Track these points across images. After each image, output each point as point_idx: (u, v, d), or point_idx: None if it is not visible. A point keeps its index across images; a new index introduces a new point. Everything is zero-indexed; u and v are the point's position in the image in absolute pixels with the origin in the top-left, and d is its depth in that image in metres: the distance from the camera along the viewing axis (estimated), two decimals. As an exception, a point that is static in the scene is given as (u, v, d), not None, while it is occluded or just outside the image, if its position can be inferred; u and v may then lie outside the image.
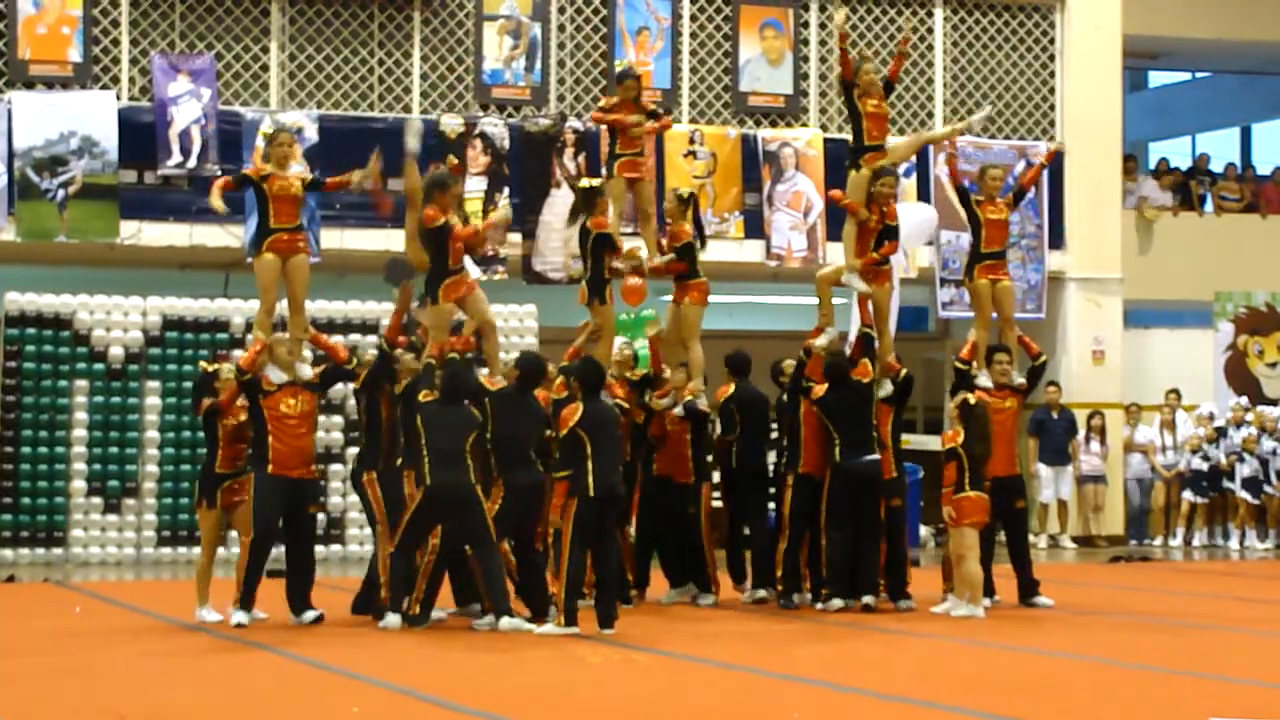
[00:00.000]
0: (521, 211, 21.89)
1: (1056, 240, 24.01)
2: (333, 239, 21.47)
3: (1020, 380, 15.85)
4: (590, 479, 13.41)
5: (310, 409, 14.15)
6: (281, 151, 14.58)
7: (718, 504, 16.69)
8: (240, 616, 13.76)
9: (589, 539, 13.46)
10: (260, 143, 21.07)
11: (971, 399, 15.06)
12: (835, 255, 22.61)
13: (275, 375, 14.07)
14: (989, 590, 15.17)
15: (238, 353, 15.56)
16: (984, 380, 15.59)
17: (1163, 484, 24.14)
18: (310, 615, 14.03)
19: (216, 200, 14.49)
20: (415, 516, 13.74)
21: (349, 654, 12.37)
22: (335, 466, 20.61)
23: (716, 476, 16.57)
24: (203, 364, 15.40)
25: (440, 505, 13.62)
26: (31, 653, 12.69)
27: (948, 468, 14.82)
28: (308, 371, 14.27)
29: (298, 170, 14.85)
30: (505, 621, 13.51)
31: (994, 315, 16.26)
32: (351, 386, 15.09)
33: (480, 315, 14.68)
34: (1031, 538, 20.37)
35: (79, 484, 20.14)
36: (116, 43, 21.32)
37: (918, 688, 10.81)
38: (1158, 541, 24.00)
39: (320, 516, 19.65)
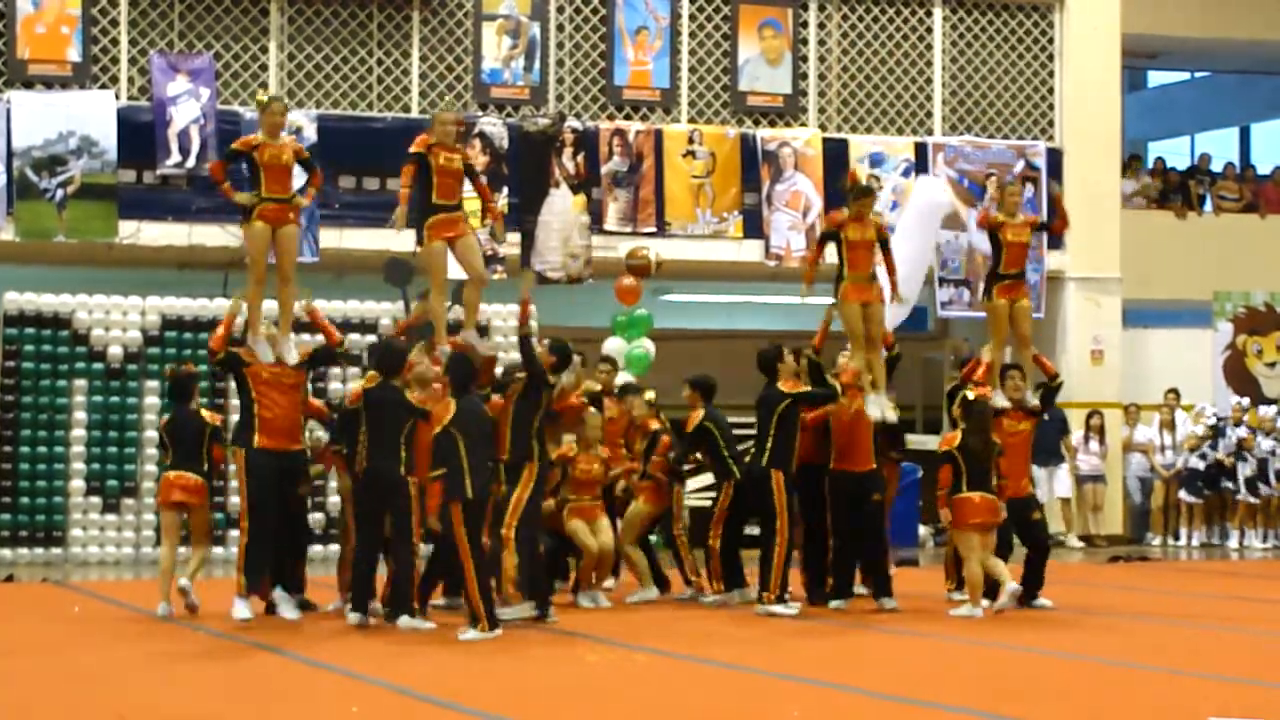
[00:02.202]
0: (520, 211, 21.91)
1: (1055, 240, 24.00)
2: (331, 238, 21.47)
3: (1034, 402, 15.80)
4: (468, 480, 13.22)
5: (297, 381, 14.09)
6: (273, 120, 14.37)
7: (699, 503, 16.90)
8: (242, 610, 13.72)
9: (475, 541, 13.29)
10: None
11: (971, 394, 15.11)
12: (833, 255, 22.65)
13: (263, 354, 13.99)
14: (990, 591, 15.15)
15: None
16: (1000, 400, 15.55)
17: (1162, 484, 24.15)
18: (290, 610, 14.05)
19: (234, 196, 14.41)
20: (359, 511, 13.79)
21: (348, 654, 12.36)
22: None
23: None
24: (169, 368, 15.29)
25: (373, 491, 13.67)
26: (31, 653, 12.69)
27: (942, 470, 14.80)
28: (293, 356, 14.16)
29: (288, 139, 14.66)
30: (403, 621, 13.55)
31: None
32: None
33: (470, 266, 14.65)
34: None
35: (78, 483, 20.13)
36: (115, 42, 21.32)
37: (918, 688, 10.81)
38: (1156, 541, 24.01)
39: (318, 516, 19.67)
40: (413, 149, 14.63)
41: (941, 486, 14.80)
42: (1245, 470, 23.64)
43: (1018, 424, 15.53)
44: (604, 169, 22.29)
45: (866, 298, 15.49)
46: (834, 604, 15.30)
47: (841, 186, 16.15)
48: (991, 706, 10.14)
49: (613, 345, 20.09)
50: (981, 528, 14.66)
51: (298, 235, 14.61)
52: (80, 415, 20.23)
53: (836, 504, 15.25)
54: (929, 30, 23.85)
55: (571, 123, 22.23)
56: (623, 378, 18.74)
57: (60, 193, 20.65)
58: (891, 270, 15.71)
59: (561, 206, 21.97)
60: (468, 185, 15.15)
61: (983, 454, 14.74)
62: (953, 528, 14.83)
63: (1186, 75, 36.55)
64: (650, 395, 16.66)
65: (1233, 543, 23.70)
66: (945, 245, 23.37)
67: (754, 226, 22.86)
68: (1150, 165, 28.58)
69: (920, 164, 23.33)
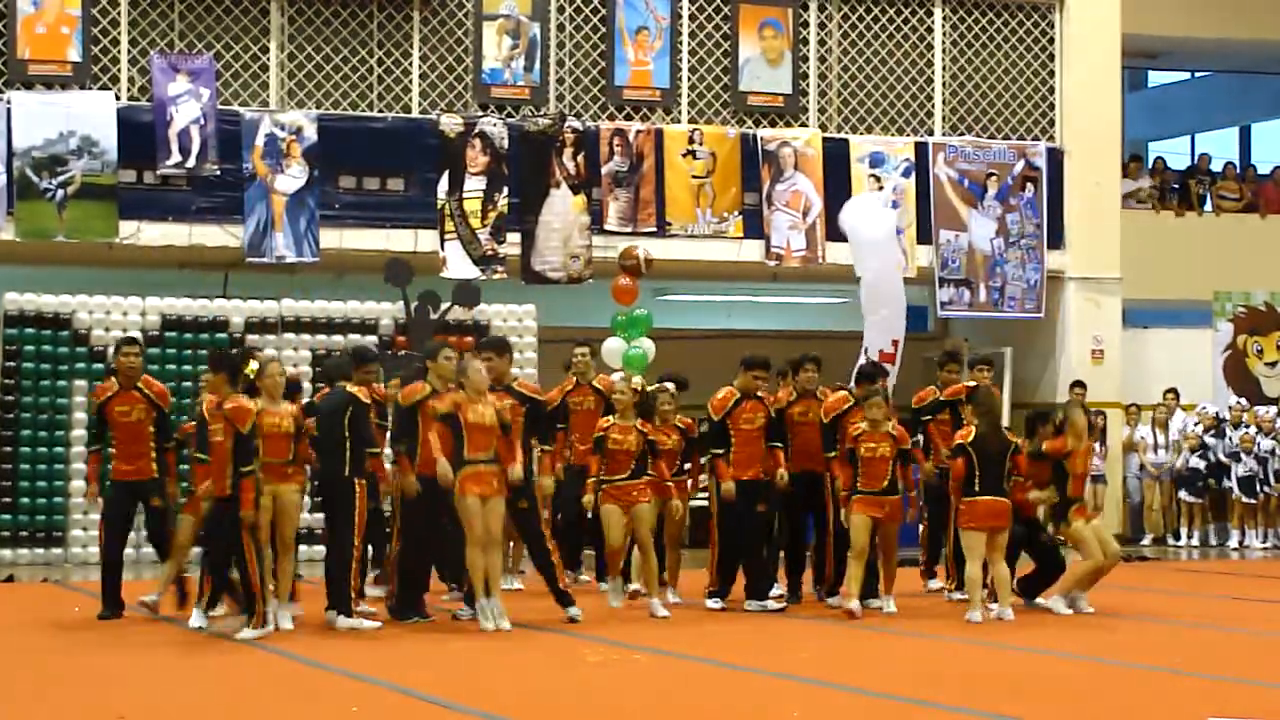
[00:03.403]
0: (520, 211, 21.91)
1: (1055, 240, 24.00)
2: (332, 239, 21.46)
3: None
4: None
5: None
6: (272, 382, 13.69)
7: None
8: (198, 619, 13.94)
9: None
10: (263, 144, 21.14)
11: (970, 382, 15.26)
12: (834, 254, 22.70)
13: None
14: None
15: None
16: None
17: (1153, 482, 24.13)
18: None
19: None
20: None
21: (348, 654, 12.37)
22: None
23: None
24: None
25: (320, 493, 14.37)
26: (31, 653, 12.70)
27: (955, 464, 14.74)
28: (288, 622, 13.72)
29: (289, 406, 13.90)
30: (341, 621, 13.78)
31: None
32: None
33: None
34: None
35: (78, 483, 20.09)
36: (116, 42, 21.32)
37: (917, 688, 10.82)
38: (1148, 540, 23.98)
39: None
40: (443, 409, 13.91)
41: (955, 478, 14.74)
42: (1244, 470, 23.62)
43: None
44: (604, 169, 22.29)
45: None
46: (831, 601, 15.37)
47: None
48: (991, 706, 10.14)
49: (613, 345, 20.11)
50: (988, 530, 14.57)
51: (298, 500, 13.90)
52: (80, 415, 20.20)
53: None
54: (929, 30, 23.84)
55: (572, 123, 22.23)
56: (618, 377, 18.77)
57: (60, 193, 20.64)
58: None
59: (562, 207, 21.98)
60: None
61: (993, 446, 14.62)
62: (959, 527, 14.81)
63: (1186, 75, 36.56)
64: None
65: (1232, 542, 23.70)
66: (945, 245, 23.38)
67: (754, 226, 22.85)
68: (1150, 165, 28.59)
69: (920, 164, 23.34)
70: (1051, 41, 24.27)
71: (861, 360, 18.67)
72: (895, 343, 19.62)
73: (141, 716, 10.04)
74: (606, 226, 22.22)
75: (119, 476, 14.72)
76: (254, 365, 13.72)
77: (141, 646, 13.10)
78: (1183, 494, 23.95)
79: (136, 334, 19.32)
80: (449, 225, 21.68)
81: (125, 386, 14.66)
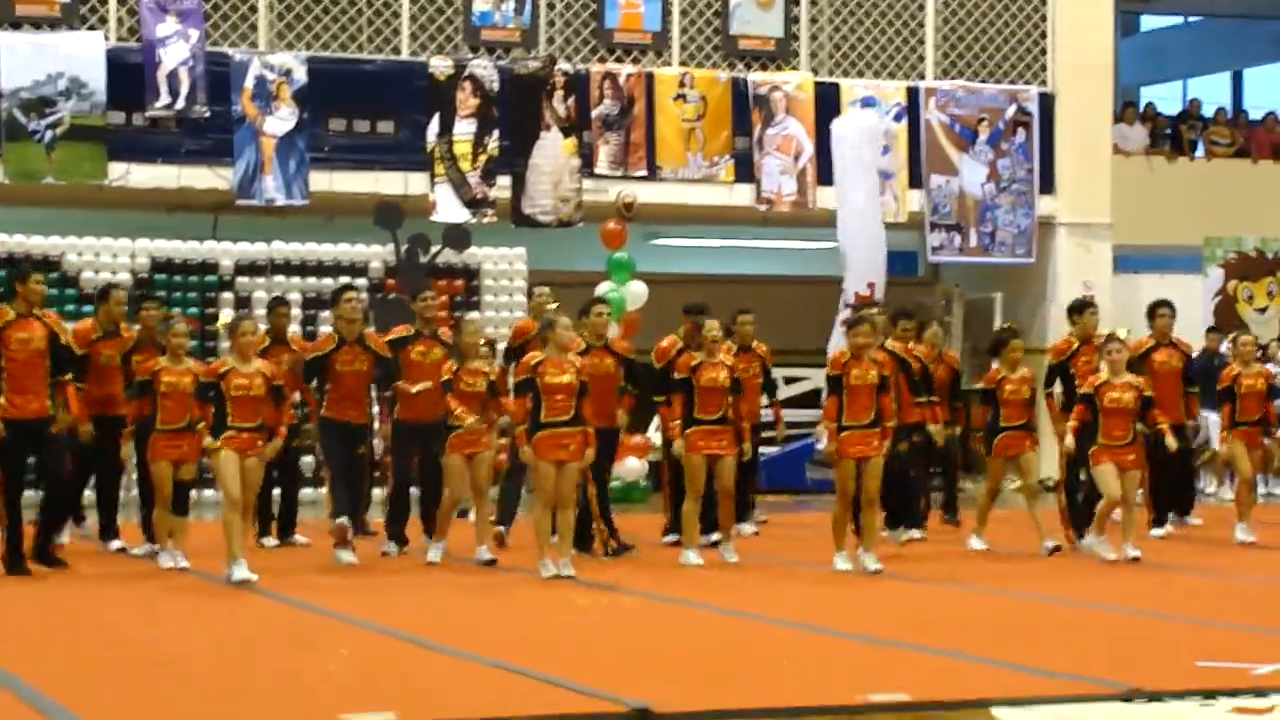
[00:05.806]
0: (511, 154, 21.83)
1: (1047, 185, 23.96)
2: (321, 181, 21.39)
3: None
4: None
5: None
6: (245, 341, 13.47)
7: None
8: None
9: None
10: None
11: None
12: (824, 199, 22.68)
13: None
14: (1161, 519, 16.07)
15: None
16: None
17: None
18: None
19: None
20: None
21: (337, 597, 12.39)
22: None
23: None
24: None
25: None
26: (19, 590, 12.71)
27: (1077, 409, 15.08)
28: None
29: (259, 365, 13.55)
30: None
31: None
32: None
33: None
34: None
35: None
36: (104, -17, 21.21)
37: (910, 632, 10.83)
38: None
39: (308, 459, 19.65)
40: (520, 375, 13.85)
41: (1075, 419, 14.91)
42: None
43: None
44: (595, 112, 22.22)
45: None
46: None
47: None
48: (981, 650, 10.13)
49: (605, 289, 20.09)
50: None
51: (261, 469, 13.56)
52: (70, 358, 20.15)
53: None
54: (922, -26, 23.75)
55: (562, 65, 22.14)
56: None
57: (49, 134, 20.56)
58: None
59: (552, 150, 21.92)
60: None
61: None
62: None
63: (1179, 20, 36.49)
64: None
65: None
66: (936, 190, 23.35)
67: (745, 171, 22.81)
68: (1142, 110, 28.53)
69: (912, 108, 23.28)
70: (1044, -15, 24.18)
71: (843, 312, 18.96)
72: (871, 285, 19.69)
73: (132, 660, 10.03)
74: (597, 170, 22.18)
75: (9, 414, 13.56)
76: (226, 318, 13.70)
77: (128, 589, 13.09)
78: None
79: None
80: (439, 168, 21.62)
81: (24, 313, 13.59)
